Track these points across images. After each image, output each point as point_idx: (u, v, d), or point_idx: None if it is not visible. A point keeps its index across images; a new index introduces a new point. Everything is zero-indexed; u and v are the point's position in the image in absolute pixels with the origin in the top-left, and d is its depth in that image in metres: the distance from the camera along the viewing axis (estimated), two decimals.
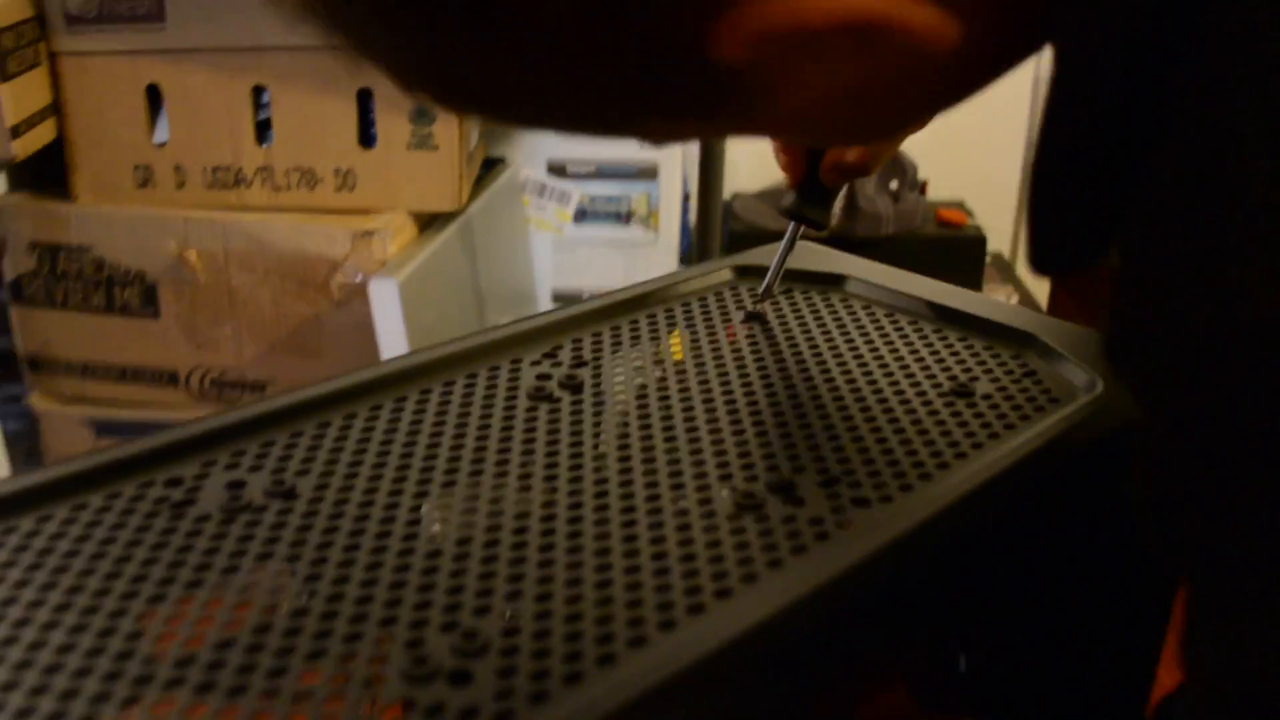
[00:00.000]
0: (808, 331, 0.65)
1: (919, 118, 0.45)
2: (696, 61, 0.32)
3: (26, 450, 1.81)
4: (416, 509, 0.47)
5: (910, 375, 0.59)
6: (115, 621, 0.40)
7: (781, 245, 0.69)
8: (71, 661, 0.38)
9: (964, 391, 0.57)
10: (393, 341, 1.40)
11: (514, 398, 0.56)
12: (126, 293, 1.54)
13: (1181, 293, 0.30)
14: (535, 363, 0.60)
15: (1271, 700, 0.30)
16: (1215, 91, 0.29)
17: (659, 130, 0.40)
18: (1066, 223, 0.38)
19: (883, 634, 0.49)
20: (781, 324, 0.66)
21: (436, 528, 0.46)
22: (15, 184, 1.61)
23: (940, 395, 0.57)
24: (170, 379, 1.60)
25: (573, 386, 0.57)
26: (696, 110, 0.36)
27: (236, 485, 0.49)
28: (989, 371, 0.60)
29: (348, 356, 1.51)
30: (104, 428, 1.66)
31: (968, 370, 0.60)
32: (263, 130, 1.51)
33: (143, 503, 0.48)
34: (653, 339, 0.64)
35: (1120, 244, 0.33)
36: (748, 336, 0.64)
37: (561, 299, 1.87)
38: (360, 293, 1.43)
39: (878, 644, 0.49)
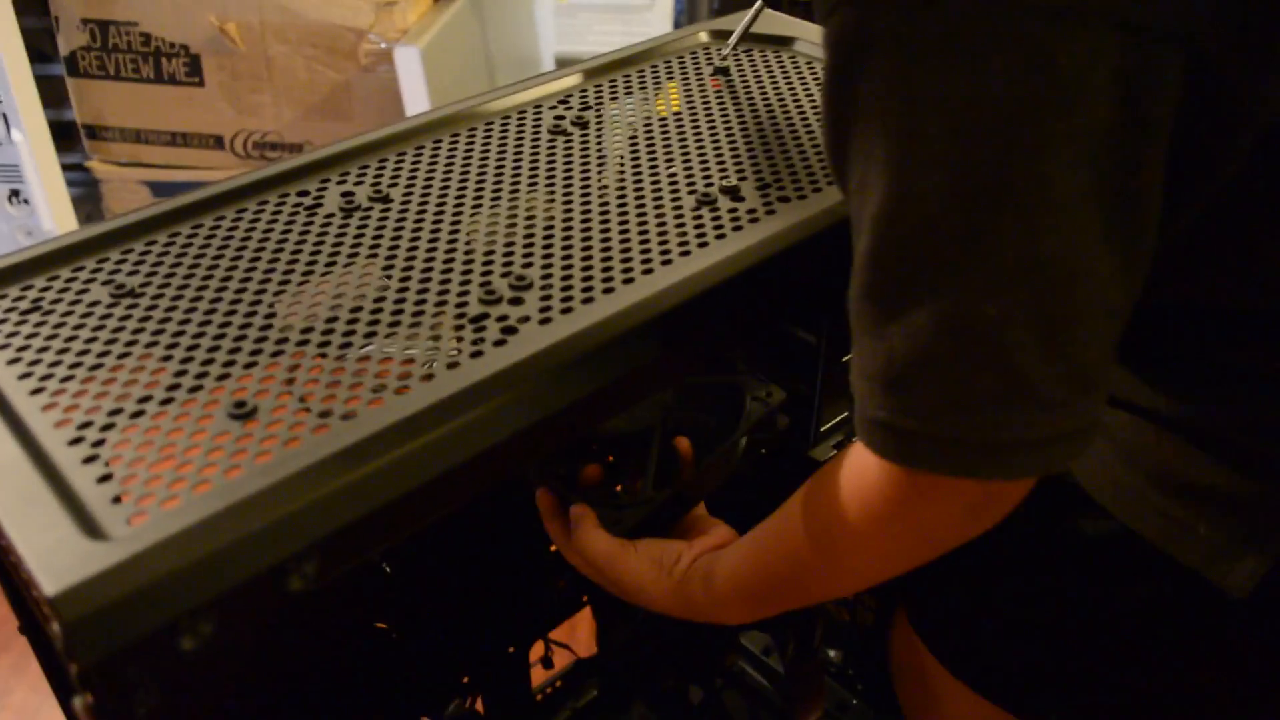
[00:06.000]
0: (760, 82, 0.84)
1: None
2: None
3: (89, 213, 2.01)
4: (478, 205, 0.68)
5: None
6: (262, 288, 0.62)
7: (747, 16, 0.87)
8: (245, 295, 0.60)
9: None
10: (417, 103, 1.57)
11: (538, 132, 0.76)
12: (173, 63, 1.70)
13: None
14: (552, 108, 0.80)
15: (865, 388, 0.49)
16: None
17: None
18: None
19: (789, 277, 0.70)
20: (741, 77, 0.85)
21: (496, 216, 0.67)
22: None
23: None
24: (216, 142, 1.78)
25: (582, 124, 0.77)
26: None
27: (348, 194, 0.69)
28: None
29: (376, 118, 1.69)
30: (159, 189, 1.86)
31: None
32: None
33: (284, 206, 0.68)
34: (642, 89, 0.83)
35: None
36: (715, 87, 0.83)
37: (564, 63, 2.02)
38: (385, 59, 1.59)
39: (785, 287, 0.70)
